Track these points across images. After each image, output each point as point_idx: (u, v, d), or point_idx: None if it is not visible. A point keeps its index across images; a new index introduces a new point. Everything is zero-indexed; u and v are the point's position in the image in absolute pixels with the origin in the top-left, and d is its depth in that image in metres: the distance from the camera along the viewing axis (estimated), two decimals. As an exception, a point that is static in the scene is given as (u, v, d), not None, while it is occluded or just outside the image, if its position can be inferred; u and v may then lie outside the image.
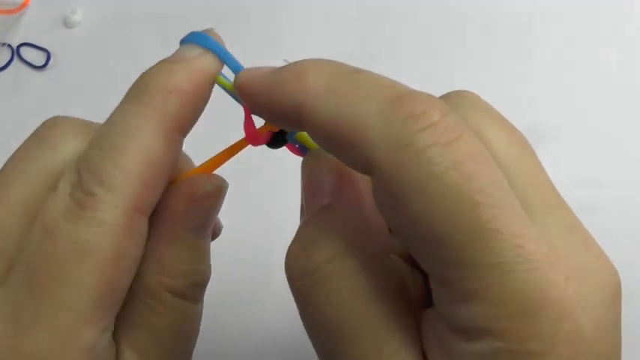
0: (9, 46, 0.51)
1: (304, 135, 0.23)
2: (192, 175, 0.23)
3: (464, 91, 0.21)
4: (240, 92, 0.21)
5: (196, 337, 0.24)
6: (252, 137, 0.23)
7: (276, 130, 0.23)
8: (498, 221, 0.17)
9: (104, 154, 0.20)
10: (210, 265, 0.24)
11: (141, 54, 0.50)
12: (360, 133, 0.18)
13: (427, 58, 0.50)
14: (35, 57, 0.51)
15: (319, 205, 0.21)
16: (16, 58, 0.51)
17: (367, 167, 0.18)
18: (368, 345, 0.19)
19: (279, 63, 0.51)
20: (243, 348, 0.40)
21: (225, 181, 0.23)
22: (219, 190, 0.23)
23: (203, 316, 0.42)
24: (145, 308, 0.22)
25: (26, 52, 0.51)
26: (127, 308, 0.21)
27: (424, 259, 0.18)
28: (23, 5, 0.52)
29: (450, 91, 0.22)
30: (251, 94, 0.21)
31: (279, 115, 0.20)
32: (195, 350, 0.41)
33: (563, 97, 0.48)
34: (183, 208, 0.22)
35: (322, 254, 0.19)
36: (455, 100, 0.21)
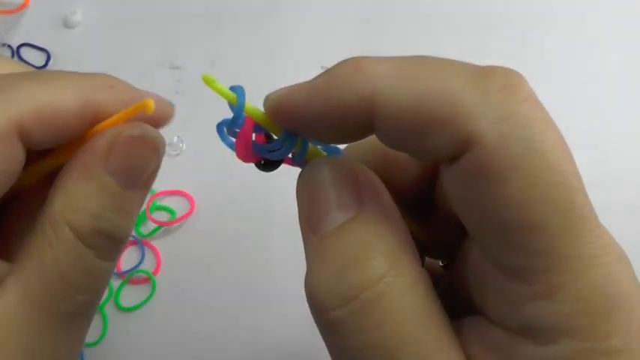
0: (9, 46, 0.51)
1: (314, 153, 0.21)
2: (130, 122, 0.21)
3: (507, 72, 0.18)
4: (280, 111, 0.19)
5: (94, 302, 0.22)
6: (245, 151, 0.20)
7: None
8: (586, 209, 0.16)
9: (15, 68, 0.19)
10: (132, 226, 0.22)
11: (141, 54, 0.50)
12: (456, 106, 0.16)
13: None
14: (35, 57, 0.51)
15: (337, 221, 0.18)
16: (16, 59, 0.51)
17: (460, 146, 0.16)
18: None
19: (278, 62, 0.51)
20: (243, 348, 0.40)
21: (161, 136, 0.21)
22: (147, 138, 0.21)
23: (204, 316, 0.42)
24: (41, 237, 0.20)
25: (26, 53, 0.51)
26: (28, 236, 0.20)
27: (505, 250, 0.17)
28: (23, 6, 0.52)
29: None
30: (296, 107, 0.18)
31: (340, 116, 0.18)
32: (195, 350, 0.41)
33: (563, 97, 0.48)
34: (106, 146, 0.20)
35: (369, 273, 0.17)
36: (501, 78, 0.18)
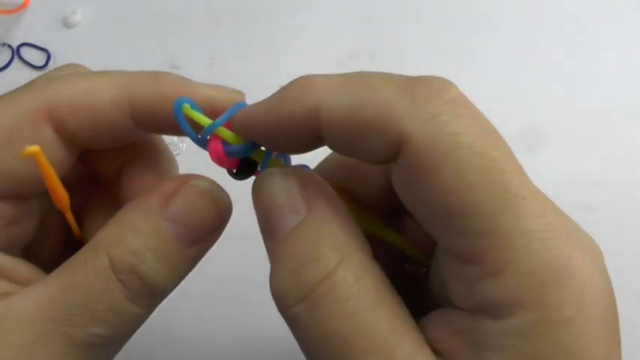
0: (9, 46, 0.51)
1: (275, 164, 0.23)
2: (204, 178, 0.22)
3: (434, 80, 0.19)
4: (244, 127, 0.21)
5: (113, 342, 0.21)
6: (219, 156, 0.22)
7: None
8: (524, 189, 0.17)
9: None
10: (173, 282, 0.22)
11: (141, 54, 0.50)
12: (386, 111, 0.18)
13: (427, 58, 0.50)
14: (35, 57, 0.51)
15: (290, 224, 0.20)
16: (16, 58, 0.51)
17: (395, 146, 0.18)
18: (380, 354, 0.18)
19: (278, 62, 0.51)
20: (244, 347, 0.40)
21: (228, 200, 0.22)
22: (214, 196, 0.22)
23: (204, 316, 0.42)
24: (81, 257, 0.21)
25: (26, 52, 0.51)
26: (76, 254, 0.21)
27: (452, 236, 0.18)
28: (23, 5, 0.52)
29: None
30: (255, 121, 0.21)
31: (292, 127, 0.20)
32: (195, 349, 0.41)
33: (563, 97, 0.48)
34: (170, 190, 0.21)
35: (320, 269, 0.19)
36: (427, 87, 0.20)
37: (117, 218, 0.21)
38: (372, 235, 0.23)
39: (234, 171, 0.23)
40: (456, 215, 0.17)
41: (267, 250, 0.21)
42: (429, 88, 0.18)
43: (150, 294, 0.21)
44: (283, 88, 0.20)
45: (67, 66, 0.25)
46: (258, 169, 0.23)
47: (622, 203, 0.44)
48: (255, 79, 0.49)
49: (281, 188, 0.21)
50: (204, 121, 0.21)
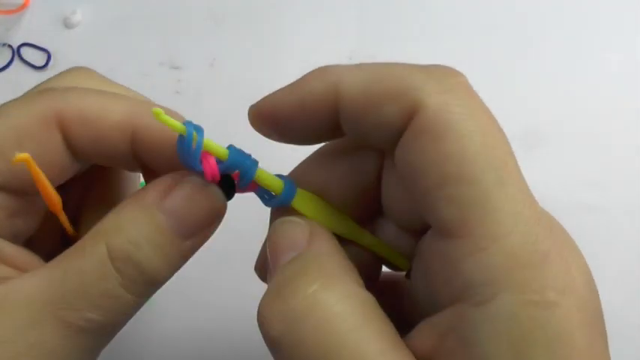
0: (9, 46, 0.51)
1: (264, 178, 0.23)
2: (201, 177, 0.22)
3: (447, 67, 0.21)
4: (263, 113, 0.22)
5: (106, 327, 0.22)
6: (212, 172, 0.22)
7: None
8: (517, 172, 0.18)
9: None
10: (168, 272, 0.23)
11: (141, 54, 0.50)
12: (404, 81, 0.19)
13: (427, 58, 0.49)
14: (35, 57, 0.51)
15: (287, 260, 0.21)
16: (16, 59, 0.51)
17: (408, 114, 0.19)
18: None
19: (278, 63, 0.51)
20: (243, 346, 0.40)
21: (224, 200, 0.23)
22: (210, 192, 0.22)
23: (204, 316, 0.42)
24: (80, 245, 0.21)
25: (26, 53, 0.51)
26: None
27: (446, 204, 0.18)
28: (23, 5, 0.52)
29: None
30: (276, 106, 0.22)
31: (313, 105, 0.21)
32: (195, 348, 0.41)
33: (564, 97, 0.48)
34: (168, 184, 0.22)
35: (300, 290, 0.19)
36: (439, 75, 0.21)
37: (116, 210, 0.22)
38: (350, 239, 0.24)
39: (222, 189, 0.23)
40: (452, 182, 0.18)
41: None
42: (443, 71, 0.20)
43: (144, 282, 0.22)
44: (304, 75, 0.21)
45: (79, 71, 0.26)
46: (241, 185, 0.23)
47: (622, 203, 0.44)
48: (255, 79, 0.49)
49: (287, 233, 0.22)
50: (222, 152, 0.22)
